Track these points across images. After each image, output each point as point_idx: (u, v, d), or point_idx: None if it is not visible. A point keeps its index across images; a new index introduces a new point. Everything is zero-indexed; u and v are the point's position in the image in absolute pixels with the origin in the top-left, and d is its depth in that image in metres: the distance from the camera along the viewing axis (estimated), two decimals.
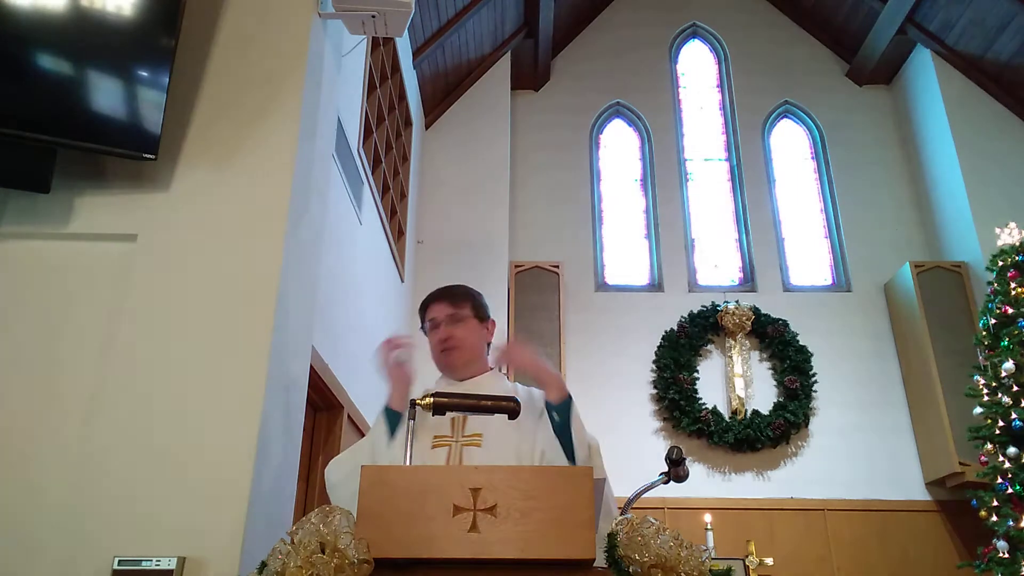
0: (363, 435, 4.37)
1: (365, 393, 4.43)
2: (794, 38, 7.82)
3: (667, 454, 2.39)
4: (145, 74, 2.30)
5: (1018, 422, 4.57)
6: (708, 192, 7.39)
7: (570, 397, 1.98)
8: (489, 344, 2.20)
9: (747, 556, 5.61)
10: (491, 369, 2.18)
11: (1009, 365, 4.70)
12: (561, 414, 1.94)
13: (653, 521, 1.46)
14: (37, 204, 2.31)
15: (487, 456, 1.88)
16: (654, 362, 6.47)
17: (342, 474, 1.97)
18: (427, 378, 2.18)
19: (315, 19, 2.64)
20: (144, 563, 1.91)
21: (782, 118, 7.68)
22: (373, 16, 2.68)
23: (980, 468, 4.90)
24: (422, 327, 2.18)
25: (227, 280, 2.26)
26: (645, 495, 2.65)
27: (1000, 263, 5.09)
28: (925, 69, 7.04)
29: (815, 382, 6.35)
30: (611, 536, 1.46)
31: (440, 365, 2.14)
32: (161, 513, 1.98)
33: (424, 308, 2.18)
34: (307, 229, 2.57)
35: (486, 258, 6.38)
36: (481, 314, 2.17)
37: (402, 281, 5.86)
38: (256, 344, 2.18)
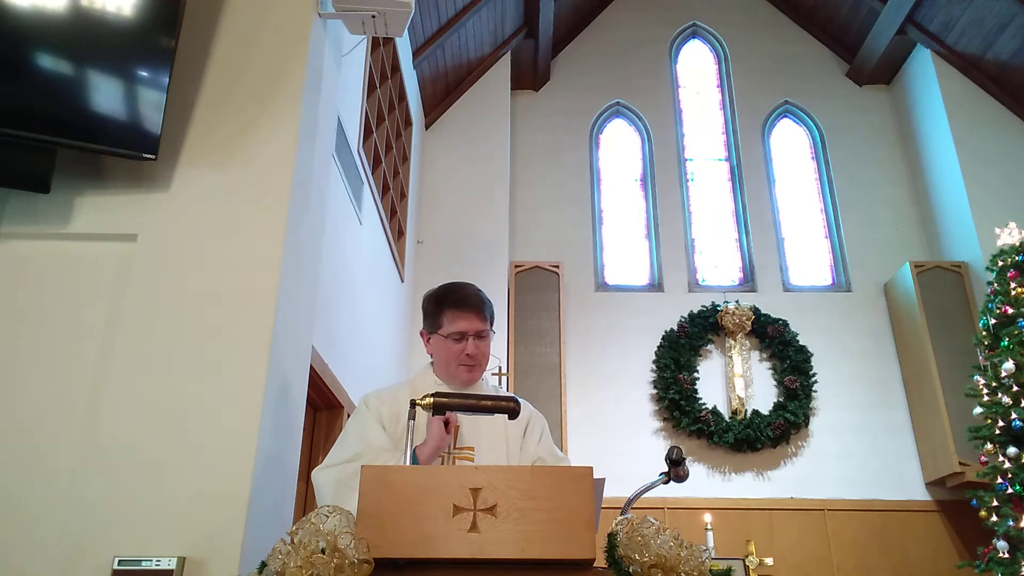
0: None
1: (365, 393, 4.43)
2: (794, 38, 7.82)
3: (667, 454, 2.38)
4: (145, 74, 2.30)
5: (1018, 422, 4.57)
6: (708, 192, 7.39)
7: None
8: None
9: (747, 556, 5.61)
10: (480, 377, 2.18)
11: (1009, 365, 4.69)
12: None
13: (653, 521, 1.46)
14: (37, 204, 2.31)
15: None
16: (654, 362, 6.47)
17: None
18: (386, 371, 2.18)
19: (315, 19, 2.64)
20: (144, 563, 1.91)
21: (782, 118, 7.69)
22: (373, 16, 2.68)
23: (980, 468, 4.90)
24: (435, 326, 2.08)
25: (227, 280, 2.25)
26: (645, 495, 2.65)
27: (1000, 263, 5.09)
28: (925, 69, 7.05)
29: (815, 382, 6.35)
30: (611, 536, 1.46)
31: (454, 376, 2.09)
32: (161, 513, 1.98)
33: (448, 311, 2.06)
34: (307, 229, 2.57)
35: (486, 258, 6.39)
36: (493, 325, 2.16)
37: (402, 281, 5.86)
38: (256, 344, 2.18)
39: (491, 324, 2.12)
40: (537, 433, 2.15)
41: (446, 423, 1.91)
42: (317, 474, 1.97)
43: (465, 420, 2.03)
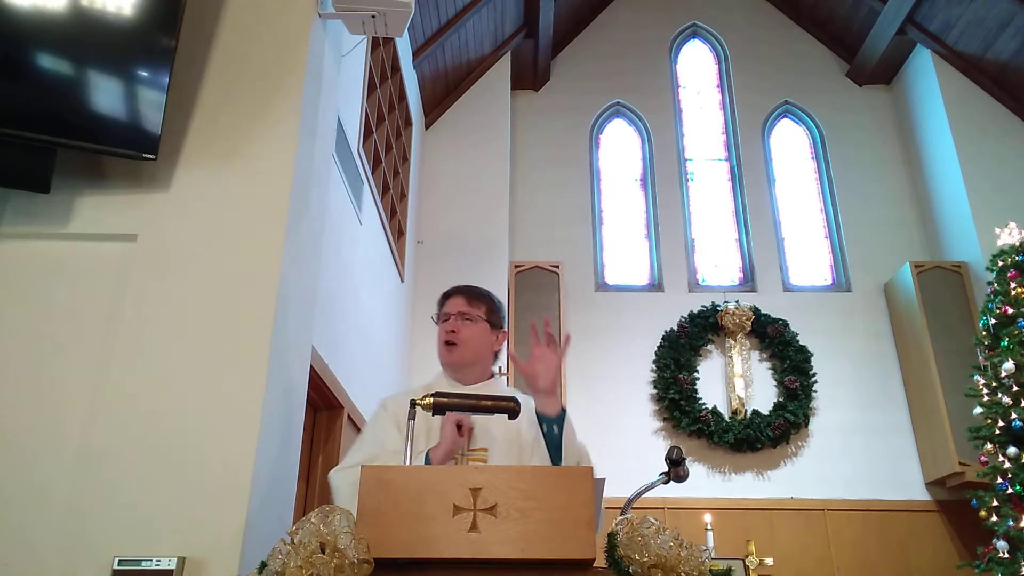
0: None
1: (365, 393, 4.43)
2: (794, 38, 7.83)
3: (667, 454, 2.39)
4: (145, 74, 2.29)
5: (1018, 422, 4.57)
6: (708, 192, 7.39)
7: (564, 410, 1.95)
8: (496, 354, 2.20)
9: (747, 556, 5.61)
10: (492, 378, 2.19)
11: (1009, 365, 4.69)
12: (558, 426, 1.92)
13: (653, 521, 1.46)
14: (37, 204, 2.31)
15: None
16: (654, 362, 6.47)
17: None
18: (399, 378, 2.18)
19: (315, 19, 2.64)
20: (144, 563, 1.91)
21: (782, 118, 7.69)
22: (373, 16, 2.68)
23: (980, 468, 4.90)
24: (435, 316, 2.20)
25: (227, 280, 2.25)
26: (645, 495, 2.65)
27: (1000, 263, 5.09)
28: (925, 69, 7.05)
29: (815, 382, 6.35)
30: (611, 536, 1.46)
31: (440, 359, 2.15)
32: (161, 513, 1.98)
33: (442, 299, 2.19)
34: (307, 229, 2.57)
35: (486, 258, 6.38)
36: (494, 320, 2.17)
37: (402, 281, 5.85)
38: (256, 344, 2.18)
39: (486, 314, 2.14)
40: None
41: (459, 425, 1.92)
42: (333, 475, 2.01)
43: (478, 422, 2.02)
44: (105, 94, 2.27)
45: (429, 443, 1.97)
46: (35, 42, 2.19)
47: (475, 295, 2.17)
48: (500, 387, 2.19)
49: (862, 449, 6.18)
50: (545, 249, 6.86)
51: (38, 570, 1.95)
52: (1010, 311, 4.90)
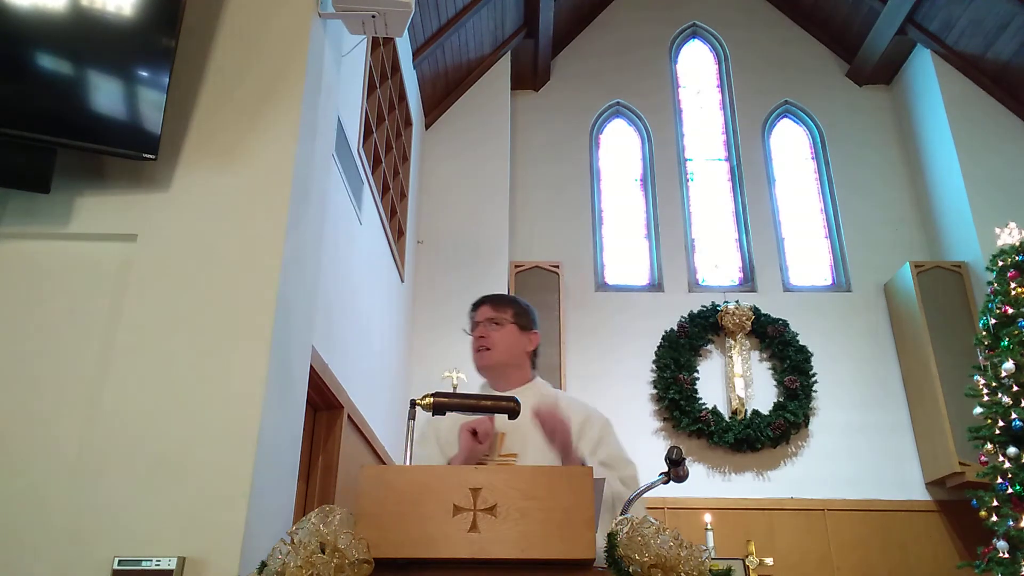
0: (363, 435, 4.39)
1: (365, 393, 4.43)
2: (794, 38, 7.83)
3: (667, 454, 2.38)
4: (145, 74, 2.30)
5: (1018, 422, 4.57)
6: (708, 192, 7.39)
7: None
8: (532, 355, 2.21)
9: (747, 556, 5.61)
10: (532, 380, 2.19)
11: (1009, 365, 4.70)
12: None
13: (653, 521, 1.46)
14: (37, 204, 2.31)
15: None
16: (654, 362, 6.47)
17: None
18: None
19: (315, 19, 2.64)
20: (144, 563, 1.91)
21: (782, 118, 7.68)
22: (373, 16, 2.68)
23: (980, 468, 4.90)
24: (467, 330, 2.26)
25: (227, 280, 2.25)
26: (645, 495, 2.64)
27: (1000, 263, 5.09)
28: (925, 69, 7.05)
29: (815, 382, 6.35)
30: (611, 536, 1.46)
31: (476, 367, 2.18)
32: (161, 513, 1.98)
33: (471, 311, 2.24)
34: (307, 229, 2.57)
35: (486, 258, 6.38)
36: (522, 323, 2.19)
37: (402, 281, 5.85)
38: (256, 344, 2.18)
39: (513, 317, 2.18)
40: (591, 441, 2.08)
41: (474, 432, 1.94)
42: None
43: (511, 427, 1.99)
44: (105, 94, 2.27)
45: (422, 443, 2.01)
46: (35, 42, 2.19)
47: (500, 301, 2.23)
48: (540, 391, 2.17)
49: (862, 449, 6.18)
50: (545, 249, 6.85)
51: (38, 570, 1.95)
52: (1010, 311, 4.90)
